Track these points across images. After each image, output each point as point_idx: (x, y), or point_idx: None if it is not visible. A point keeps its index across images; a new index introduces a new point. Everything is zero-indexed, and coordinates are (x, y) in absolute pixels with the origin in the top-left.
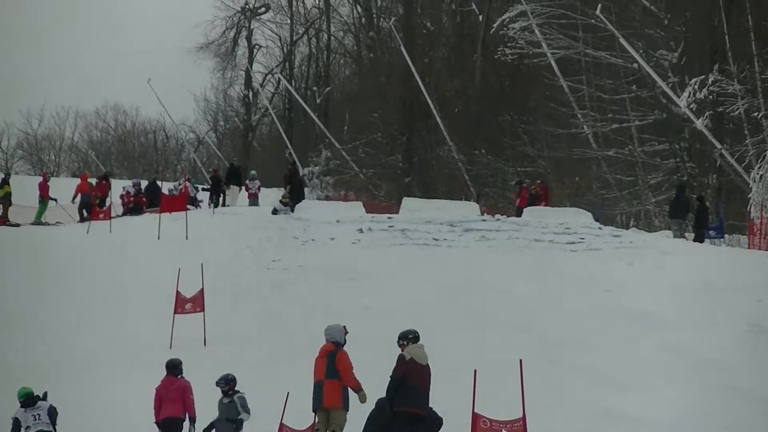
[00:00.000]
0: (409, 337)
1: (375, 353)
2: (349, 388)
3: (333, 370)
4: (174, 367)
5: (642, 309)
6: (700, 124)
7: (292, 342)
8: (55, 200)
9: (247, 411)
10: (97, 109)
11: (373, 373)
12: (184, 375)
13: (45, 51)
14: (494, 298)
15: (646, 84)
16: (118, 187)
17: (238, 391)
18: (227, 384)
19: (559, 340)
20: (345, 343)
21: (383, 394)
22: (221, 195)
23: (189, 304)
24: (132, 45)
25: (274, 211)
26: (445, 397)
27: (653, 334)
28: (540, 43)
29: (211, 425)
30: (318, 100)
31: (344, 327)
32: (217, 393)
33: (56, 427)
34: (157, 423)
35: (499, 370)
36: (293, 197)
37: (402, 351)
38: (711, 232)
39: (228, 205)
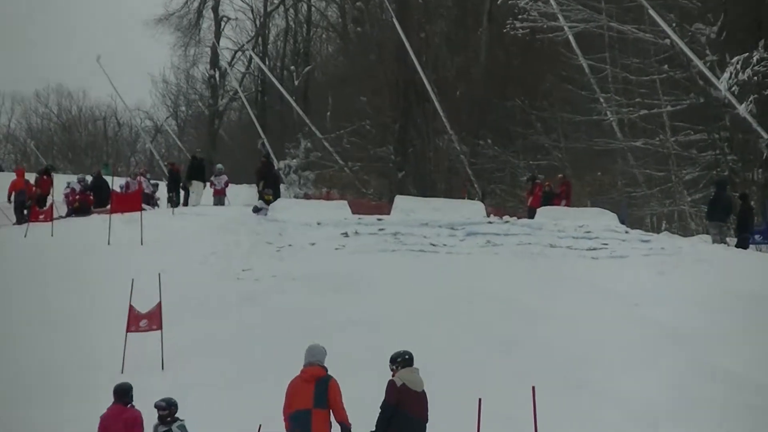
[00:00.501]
0: (398, 360)
1: (363, 378)
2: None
3: (323, 399)
4: (123, 394)
5: (675, 326)
6: (743, 109)
7: (265, 365)
8: None
9: None
10: (37, 92)
11: (360, 402)
12: (135, 403)
13: None
14: (502, 313)
15: (680, 63)
16: (62, 183)
17: (178, 419)
18: (168, 408)
19: (579, 362)
20: None
21: (373, 427)
22: (182, 193)
23: (144, 320)
24: (79, 17)
25: (255, 209)
26: (445, 430)
27: (689, 356)
28: (556, 16)
29: None
30: (296, 82)
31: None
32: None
33: None
34: None
35: (508, 397)
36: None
37: (393, 376)
38: (756, 236)
39: (193, 205)
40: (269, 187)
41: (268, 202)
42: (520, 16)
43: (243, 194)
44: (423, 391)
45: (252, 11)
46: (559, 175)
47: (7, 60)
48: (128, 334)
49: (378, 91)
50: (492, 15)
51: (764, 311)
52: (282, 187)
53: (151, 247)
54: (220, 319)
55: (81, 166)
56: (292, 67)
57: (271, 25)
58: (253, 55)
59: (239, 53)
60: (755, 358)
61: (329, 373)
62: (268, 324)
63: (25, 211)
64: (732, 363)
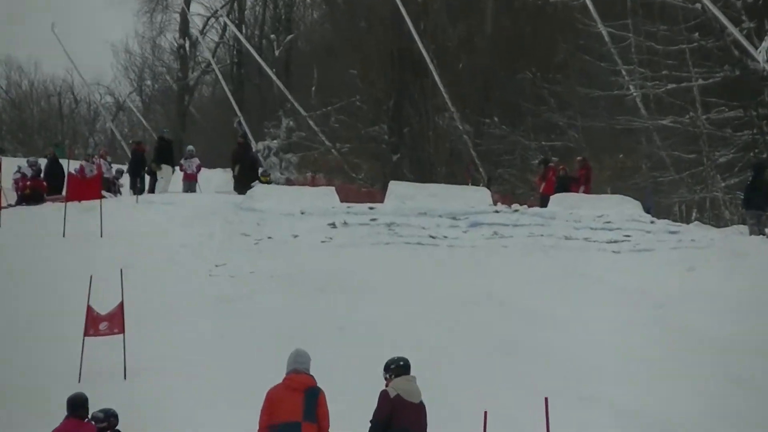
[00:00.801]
0: (392, 368)
1: (354, 391)
2: None
3: (313, 412)
4: (78, 406)
5: (706, 332)
6: None
7: (241, 376)
8: None
9: None
10: None
11: (351, 419)
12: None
13: None
14: (510, 316)
15: (713, 31)
16: (11, 167)
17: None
18: (106, 420)
19: (597, 372)
20: None
21: None
22: (148, 177)
23: (104, 323)
24: None
25: None
26: None
27: (721, 365)
28: None
29: None
30: (277, 52)
31: None
32: None
33: None
34: None
35: (517, 410)
36: (243, 181)
37: (386, 386)
38: None
39: (160, 192)
40: (246, 173)
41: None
42: None
43: (216, 180)
44: (420, 402)
45: None
46: (578, 158)
47: None
48: (86, 338)
49: (370, 62)
50: None
51: None
52: (260, 171)
53: (112, 240)
54: (191, 322)
55: (33, 148)
56: (272, 36)
57: None
58: (228, 22)
59: (212, 20)
60: None
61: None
62: (245, 328)
63: None
64: None
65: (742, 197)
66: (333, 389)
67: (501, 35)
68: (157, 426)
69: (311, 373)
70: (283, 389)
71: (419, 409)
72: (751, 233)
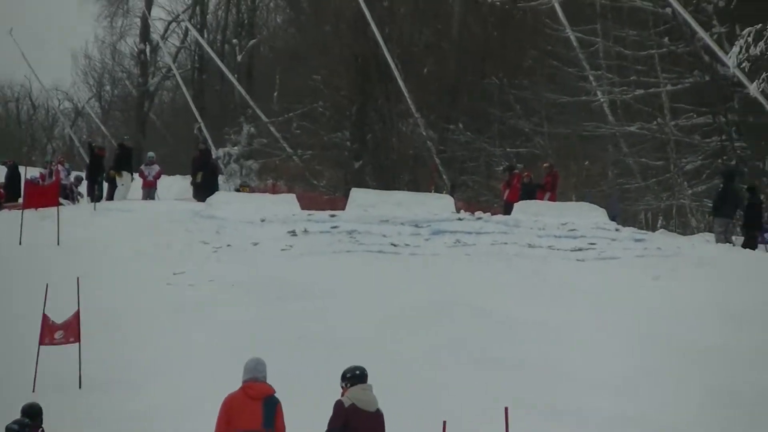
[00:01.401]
0: (348, 377)
1: (312, 398)
2: None
3: (272, 422)
4: (32, 416)
5: (672, 340)
6: (754, 89)
7: (198, 383)
8: None
9: None
10: None
11: (309, 425)
12: (45, 428)
13: None
14: (473, 323)
15: (683, 36)
16: None
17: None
18: (24, 427)
19: (559, 380)
20: None
21: None
22: (107, 184)
23: (60, 332)
24: None
25: None
26: None
27: (686, 372)
28: None
29: None
30: (239, 58)
31: None
32: None
33: None
34: None
35: (478, 419)
36: (203, 189)
37: (342, 395)
38: (767, 234)
39: (120, 199)
40: (206, 181)
41: None
42: None
43: (176, 187)
44: (377, 410)
45: None
46: (545, 164)
47: None
48: (41, 347)
49: (333, 68)
50: None
51: None
52: (221, 178)
53: (69, 248)
54: (148, 331)
55: None
56: (235, 41)
57: None
58: (190, 27)
59: (174, 24)
60: (764, 378)
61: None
62: (204, 338)
63: None
64: (741, 383)
65: (711, 205)
66: (292, 398)
67: (467, 40)
68: None
69: (269, 381)
70: (241, 397)
71: (375, 418)
72: (717, 241)
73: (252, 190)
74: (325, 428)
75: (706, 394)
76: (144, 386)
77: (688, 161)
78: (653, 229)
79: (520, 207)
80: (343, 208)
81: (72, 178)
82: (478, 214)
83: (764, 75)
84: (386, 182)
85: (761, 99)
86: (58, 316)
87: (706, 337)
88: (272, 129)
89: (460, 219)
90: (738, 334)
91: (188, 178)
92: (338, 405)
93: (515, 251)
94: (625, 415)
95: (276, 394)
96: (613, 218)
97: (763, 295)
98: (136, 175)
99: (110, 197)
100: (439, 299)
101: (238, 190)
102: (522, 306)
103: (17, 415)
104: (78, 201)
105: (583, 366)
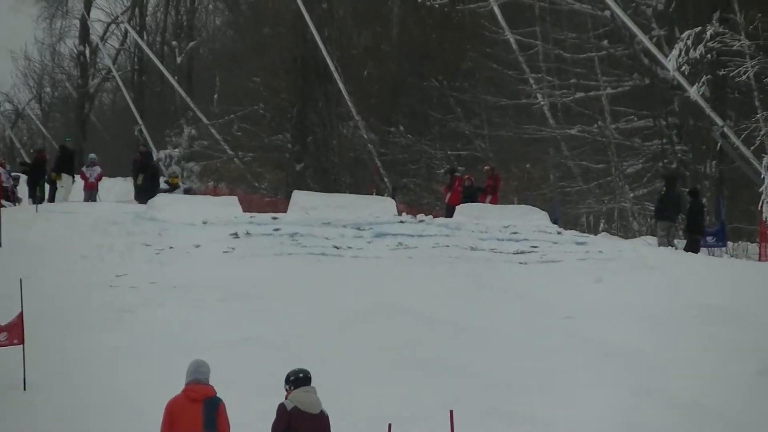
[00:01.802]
0: (291, 380)
1: (256, 401)
2: None
3: (213, 424)
4: None
5: (613, 342)
6: (694, 92)
7: (141, 385)
8: None
9: None
10: None
11: (253, 428)
12: None
13: None
14: (415, 327)
15: (623, 39)
16: None
17: None
18: None
19: (502, 383)
20: None
21: None
22: (48, 185)
23: (3, 333)
24: None
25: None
26: None
27: (629, 377)
28: None
29: None
30: (178, 59)
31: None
32: None
33: None
34: None
35: (423, 423)
36: (145, 191)
37: (286, 398)
38: (709, 238)
39: (61, 201)
40: (147, 182)
41: (174, 186)
42: None
43: (117, 189)
44: (321, 412)
45: None
46: (486, 167)
47: None
48: None
49: (273, 70)
50: None
51: (719, 327)
52: (161, 180)
53: (10, 250)
54: (91, 333)
55: None
56: (174, 43)
57: None
58: (129, 29)
59: (113, 26)
60: (705, 380)
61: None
62: (146, 340)
63: None
64: (679, 385)
65: (654, 208)
66: (235, 401)
67: (407, 42)
68: None
69: (212, 383)
70: (183, 400)
71: (319, 420)
72: (660, 244)
73: (177, 184)
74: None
75: (632, 394)
76: (88, 387)
77: (629, 164)
78: (595, 232)
79: (462, 210)
80: (285, 211)
81: (11, 180)
82: (420, 216)
83: (704, 78)
84: (327, 185)
85: (701, 102)
86: (2, 318)
87: (649, 339)
88: (213, 131)
89: (402, 222)
90: (680, 335)
91: (130, 180)
92: (281, 408)
93: (457, 254)
94: (562, 417)
95: (222, 396)
96: (554, 221)
97: (705, 298)
98: (77, 177)
99: (51, 199)
100: (381, 302)
101: (167, 182)
102: (464, 309)
103: None
104: (19, 203)
105: (522, 370)
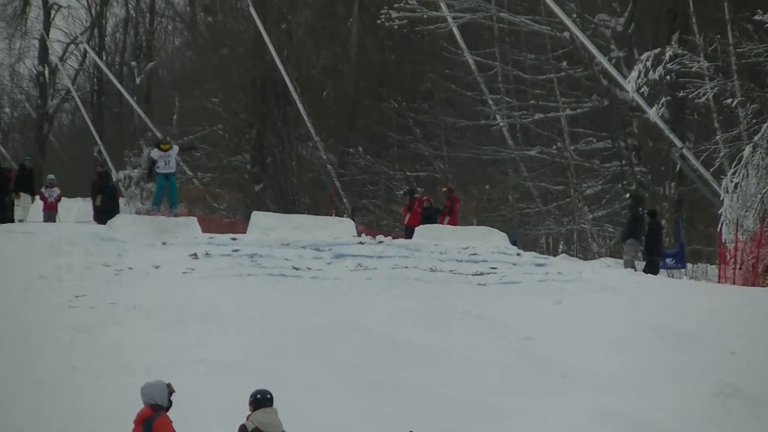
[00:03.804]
0: (251, 400)
1: (217, 423)
2: None
3: None
4: None
5: (572, 364)
6: (653, 114)
7: (102, 407)
8: None
9: None
10: None
11: None
12: None
13: None
14: (375, 348)
15: (582, 60)
16: None
17: None
18: None
19: (461, 404)
20: (170, 405)
21: None
22: (7, 206)
23: None
24: None
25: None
26: None
27: (588, 398)
28: (438, 4)
29: None
30: (137, 80)
31: (168, 385)
32: None
33: None
34: None
35: None
36: (104, 211)
37: (247, 419)
38: (668, 259)
39: (19, 220)
40: (106, 203)
41: (165, 151)
42: (396, 5)
43: (76, 209)
44: None
45: None
46: (443, 189)
47: None
48: None
49: (232, 91)
50: (364, 3)
51: (677, 349)
52: (121, 201)
53: None
54: (48, 355)
55: None
56: (133, 63)
57: (108, 14)
58: (88, 49)
59: (72, 47)
60: (663, 401)
61: (167, 413)
62: (104, 362)
63: None
64: (639, 406)
65: (612, 230)
66: (194, 423)
67: (366, 63)
68: None
69: (173, 411)
70: (133, 426)
71: None
72: (627, 266)
73: (169, 148)
74: None
75: (589, 415)
76: (45, 407)
77: (588, 186)
78: (554, 253)
79: (421, 231)
80: (244, 232)
81: None
82: (379, 237)
83: (663, 100)
84: (286, 205)
85: (660, 124)
86: None
87: (606, 360)
88: None
89: (361, 243)
90: (636, 356)
91: (89, 201)
92: (241, 429)
93: (417, 275)
94: None
95: (181, 417)
96: (513, 242)
97: (664, 320)
98: (36, 198)
99: (10, 219)
100: (341, 323)
101: (158, 148)
102: (423, 330)
103: None
104: None
105: (481, 391)
